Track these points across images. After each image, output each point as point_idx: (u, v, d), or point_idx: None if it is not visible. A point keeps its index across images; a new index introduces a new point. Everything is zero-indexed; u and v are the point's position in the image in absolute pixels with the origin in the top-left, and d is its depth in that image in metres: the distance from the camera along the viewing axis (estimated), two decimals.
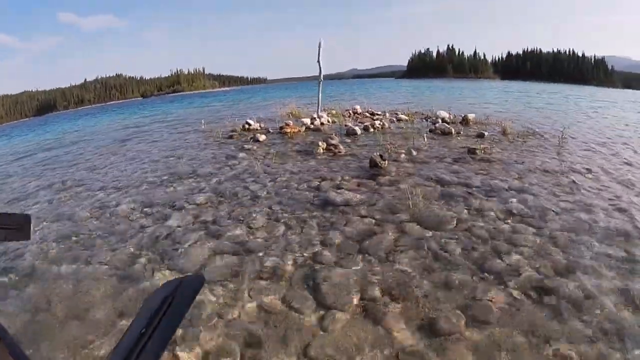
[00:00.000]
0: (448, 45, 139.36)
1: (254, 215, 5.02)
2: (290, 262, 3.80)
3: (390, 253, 3.86)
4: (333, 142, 8.67)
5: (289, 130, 10.82)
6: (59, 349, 2.74)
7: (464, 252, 3.82)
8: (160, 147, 10.58)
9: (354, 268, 3.61)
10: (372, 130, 10.86)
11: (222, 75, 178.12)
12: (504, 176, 6.25)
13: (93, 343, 2.76)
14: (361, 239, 4.21)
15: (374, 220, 4.70)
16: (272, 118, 14.82)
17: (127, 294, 3.40)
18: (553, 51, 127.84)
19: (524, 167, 6.72)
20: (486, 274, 3.41)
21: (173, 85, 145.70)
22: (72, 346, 2.76)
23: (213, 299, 3.23)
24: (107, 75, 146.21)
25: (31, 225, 0.82)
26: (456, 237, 4.14)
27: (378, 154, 7.10)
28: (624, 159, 7.39)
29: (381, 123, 11.42)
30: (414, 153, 7.88)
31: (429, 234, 4.25)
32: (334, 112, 15.56)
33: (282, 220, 4.82)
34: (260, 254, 3.99)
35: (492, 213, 4.71)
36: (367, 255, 3.85)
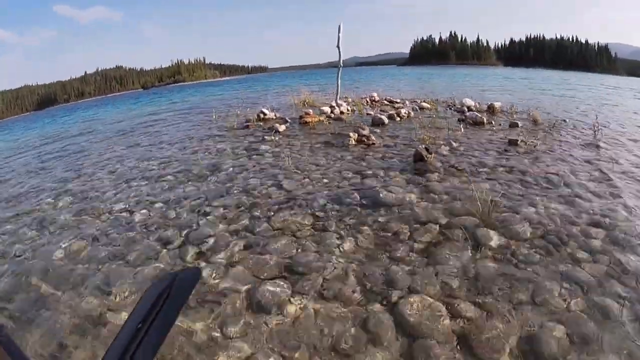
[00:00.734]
0: (450, 32, 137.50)
1: (297, 221, 4.22)
2: (356, 286, 3.01)
3: (469, 271, 3.11)
4: (364, 132, 7.86)
5: (309, 119, 9.97)
6: None
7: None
8: (172, 139, 9.75)
9: (432, 292, 2.88)
10: (398, 119, 10.04)
11: (223, 65, 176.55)
12: (560, 170, 5.52)
13: None
14: (429, 253, 3.45)
15: (437, 227, 3.91)
16: (285, 106, 14.03)
17: None
18: (556, 38, 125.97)
19: (576, 161, 6.03)
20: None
21: (174, 75, 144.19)
22: None
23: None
24: (107, 68, 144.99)
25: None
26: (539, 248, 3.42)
27: (423, 146, 6.31)
28: None
29: (407, 112, 10.57)
30: (454, 144, 7.13)
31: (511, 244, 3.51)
32: (349, 99, 14.74)
33: (332, 229, 4.01)
34: (317, 275, 3.19)
35: (576, 227, 3.82)
36: (443, 276, 3.07)
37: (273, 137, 8.25)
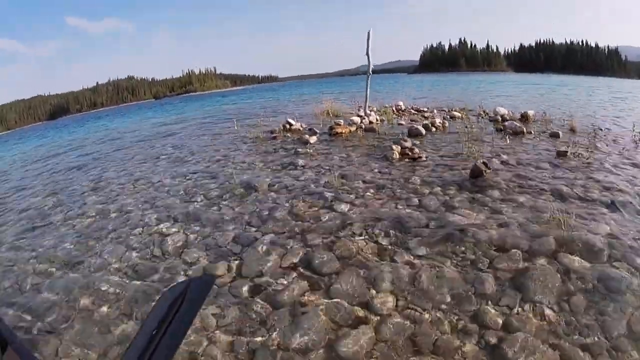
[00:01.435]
0: (460, 39, 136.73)
1: (360, 250, 3.62)
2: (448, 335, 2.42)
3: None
4: (407, 144, 7.26)
5: (340, 130, 9.40)
6: None
7: None
8: (197, 152, 9.17)
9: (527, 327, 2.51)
10: (433, 129, 9.42)
11: (234, 75, 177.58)
12: (619, 184, 4.98)
13: None
14: (518, 284, 2.97)
15: (519, 252, 3.37)
16: (308, 116, 13.53)
17: None
18: (566, 42, 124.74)
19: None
20: None
21: (185, 85, 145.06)
22: None
23: None
24: (119, 78, 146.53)
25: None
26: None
27: (482, 161, 5.70)
28: None
29: (441, 122, 9.96)
30: (504, 157, 6.55)
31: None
32: (374, 108, 14.16)
33: (403, 259, 3.42)
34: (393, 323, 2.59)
35: None
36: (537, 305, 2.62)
37: (308, 150, 7.68)
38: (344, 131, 9.40)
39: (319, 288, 3.15)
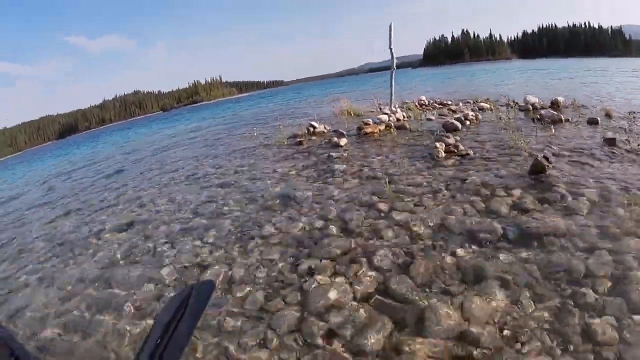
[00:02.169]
0: (463, 30, 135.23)
1: (439, 270, 2.99)
2: None
3: None
4: (450, 141, 6.60)
5: (369, 130, 8.77)
6: None
7: None
8: (221, 162, 8.57)
9: None
10: (467, 122, 8.73)
11: (240, 82, 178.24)
12: None
13: None
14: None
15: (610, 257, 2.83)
16: (328, 117, 12.93)
17: None
18: (568, 25, 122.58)
19: None
20: None
21: (192, 96, 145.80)
22: None
23: None
24: (125, 93, 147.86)
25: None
26: None
27: (542, 155, 4.96)
28: None
29: (473, 114, 9.26)
30: (554, 148, 5.87)
31: None
32: (396, 105, 13.50)
33: (490, 274, 2.79)
34: None
35: None
36: None
37: (342, 154, 7.04)
38: (374, 131, 8.77)
39: (406, 325, 2.52)
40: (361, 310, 2.71)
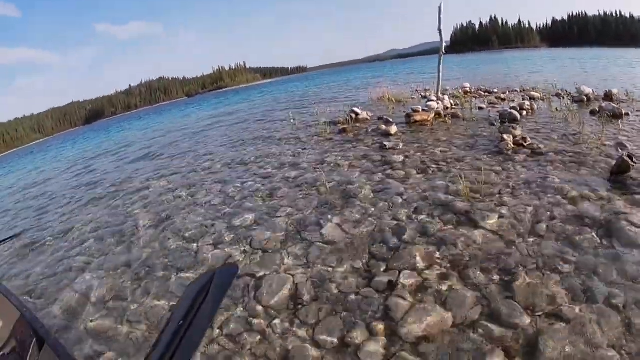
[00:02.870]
0: (491, 16, 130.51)
1: (547, 292, 2.43)
2: None
3: None
4: (517, 132, 5.94)
5: (419, 118, 8.11)
6: None
7: None
8: (262, 156, 7.52)
9: None
10: (523, 112, 7.95)
11: (264, 68, 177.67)
12: None
13: None
14: None
15: None
16: (365, 103, 12.32)
17: None
18: (599, 14, 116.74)
19: None
20: None
21: (216, 82, 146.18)
22: None
23: None
24: (151, 79, 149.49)
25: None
26: None
27: (626, 153, 4.27)
28: None
29: (529, 104, 8.47)
30: (630, 146, 5.11)
31: None
32: (427, 92, 12.71)
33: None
34: None
35: None
36: None
37: (398, 143, 6.42)
38: (424, 119, 8.11)
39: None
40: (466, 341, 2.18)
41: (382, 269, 3.00)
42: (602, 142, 5.39)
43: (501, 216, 3.54)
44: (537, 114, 7.95)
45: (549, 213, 3.49)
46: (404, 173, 4.97)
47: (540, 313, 2.31)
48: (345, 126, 8.44)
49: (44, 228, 5.88)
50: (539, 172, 4.55)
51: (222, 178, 6.33)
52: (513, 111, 7.58)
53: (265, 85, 67.82)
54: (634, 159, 4.23)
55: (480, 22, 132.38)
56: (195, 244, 4.00)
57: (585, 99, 9.13)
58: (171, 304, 3.05)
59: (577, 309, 2.29)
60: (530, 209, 3.62)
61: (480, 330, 2.25)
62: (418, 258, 3.05)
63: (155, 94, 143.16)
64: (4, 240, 4.44)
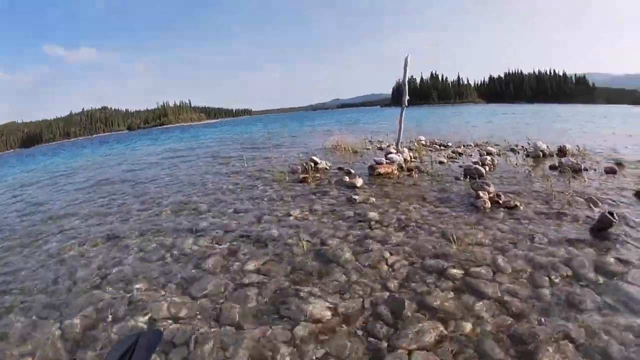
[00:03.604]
0: (431, 72, 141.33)
1: None
2: None
3: None
4: (491, 189, 5.84)
5: (383, 170, 7.90)
6: None
7: None
8: (215, 205, 6.61)
9: None
10: (486, 167, 8.07)
11: (208, 108, 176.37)
12: None
13: None
14: None
15: None
16: (320, 151, 12.15)
17: None
18: (534, 72, 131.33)
19: None
20: None
21: (160, 117, 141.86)
22: None
23: None
24: (93, 108, 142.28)
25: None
26: None
27: (608, 211, 4.35)
28: None
29: (491, 159, 8.68)
30: (599, 202, 5.24)
31: None
32: (382, 143, 12.85)
33: None
34: None
35: None
36: None
37: (368, 198, 6.03)
38: (388, 171, 7.91)
39: None
40: None
41: (386, 351, 2.47)
42: (573, 197, 5.50)
43: (501, 283, 3.20)
44: (498, 169, 8.07)
45: (547, 277, 3.26)
46: (382, 232, 4.53)
47: None
48: (305, 175, 8.00)
49: None
50: (522, 231, 4.38)
51: (173, 227, 5.48)
52: (478, 166, 7.61)
53: (211, 125, 66.54)
54: (614, 216, 4.28)
55: (422, 78, 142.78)
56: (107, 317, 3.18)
57: (541, 154, 9.54)
58: None
59: None
60: (526, 274, 3.35)
61: None
62: (426, 337, 2.56)
63: (96, 123, 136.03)
64: None
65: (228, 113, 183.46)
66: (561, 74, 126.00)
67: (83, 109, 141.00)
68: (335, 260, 3.84)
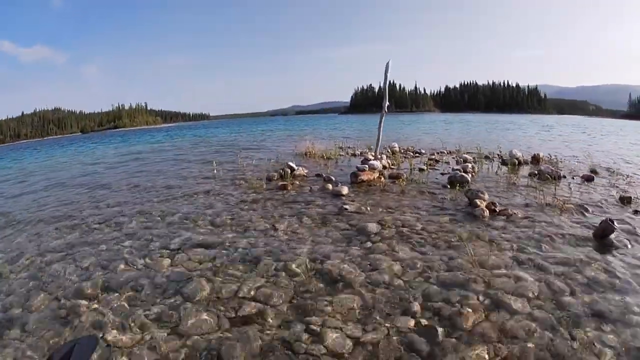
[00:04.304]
0: (390, 81, 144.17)
1: None
2: None
3: None
4: (485, 197, 5.62)
5: (366, 178, 7.55)
6: None
7: None
8: (191, 213, 5.89)
9: None
10: (470, 174, 7.93)
11: (165, 111, 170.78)
12: None
13: None
14: None
15: None
16: (291, 156, 11.69)
17: None
18: (489, 83, 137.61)
19: None
20: None
21: (114, 120, 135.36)
22: None
23: None
24: (45, 109, 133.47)
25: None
26: None
27: (608, 218, 4.30)
28: None
29: (471, 166, 8.58)
30: (590, 209, 5.31)
31: None
32: (368, 148, 12.61)
33: None
34: None
35: None
36: None
37: (360, 207, 5.61)
38: (370, 178, 7.56)
39: None
40: None
41: None
42: (564, 205, 5.41)
43: (524, 296, 2.94)
44: (479, 176, 7.96)
45: (568, 288, 3.08)
46: (386, 246, 4.12)
47: None
48: (284, 182, 7.47)
49: None
50: (527, 240, 4.20)
51: (143, 245, 4.75)
52: (463, 174, 7.43)
53: (168, 129, 63.93)
54: (614, 223, 4.26)
55: (379, 86, 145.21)
56: None
57: (517, 161, 9.57)
58: None
59: None
60: (545, 283, 3.17)
61: None
62: None
63: (48, 125, 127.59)
64: None
65: (185, 117, 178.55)
66: (514, 85, 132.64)
67: (35, 109, 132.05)
68: (343, 281, 3.36)
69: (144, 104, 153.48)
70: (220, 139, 24.47)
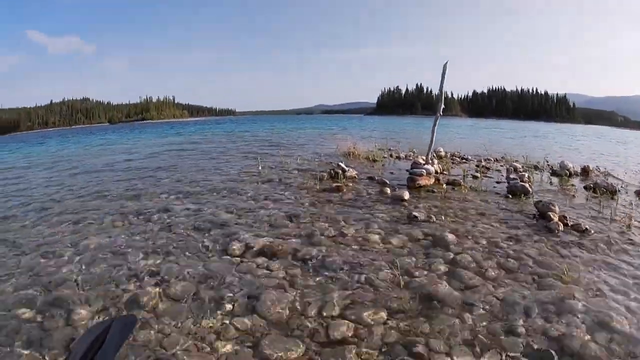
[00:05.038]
0: (417, 84, 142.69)
1: None
2: None
3: None
4: (555, 209, 5.32)
5: (423, 183, 7.32)
6: None
7: None
8: (253, 217, 5.51)
9: None
10: (528, 184, 7.57)
11: (192, 105, 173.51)
12: None
13: None
14: None
15: None
16: (333, 157, 11.52)
17: None
18: (517, 89, 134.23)
19: None
20: None
21: (142, 112, 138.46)
22: None
23: None
24: (74, 98, 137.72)
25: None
26: None
27: None
28: None
29: (528, 176, 8.21)
30: None
31: None
32: (411, 151, 12.28)
33: None
34: None
35: None
36: None
37: (430, 216, 5.35)
38: (427, 183, 7.34)
39: None
40: None
41: None
42: (631, 222, 5.21)
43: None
44: (534, 187, 7.58)
45: None
46: (470, 259, 3.89)
47: None
48: (338, 184, 7.29)
49: None
50: (607, 257, 4.06)
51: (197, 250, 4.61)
52: (525, 184, 7.11)
53: (197, 123, 64.65)
54: None
55: (407, 88, 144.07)
56: None
57: (567, 173, 9.25)
58: None
59: None
60: None
61: None
62: None
63: (77, 114, 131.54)
64: None
65: (211, 112, 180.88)
66: (543, 92, 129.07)
67: (64, 98, 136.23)
68: (437, 299, 3.14)
69: (171, 98, 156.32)
70: (253, 135, 24.51)
